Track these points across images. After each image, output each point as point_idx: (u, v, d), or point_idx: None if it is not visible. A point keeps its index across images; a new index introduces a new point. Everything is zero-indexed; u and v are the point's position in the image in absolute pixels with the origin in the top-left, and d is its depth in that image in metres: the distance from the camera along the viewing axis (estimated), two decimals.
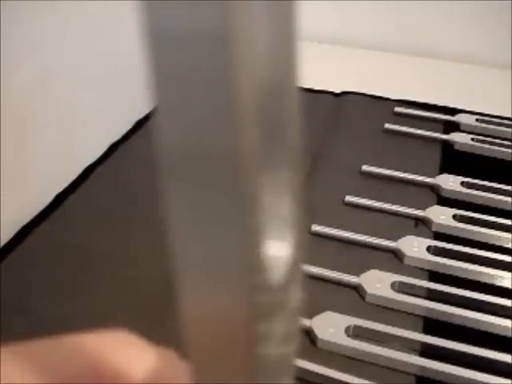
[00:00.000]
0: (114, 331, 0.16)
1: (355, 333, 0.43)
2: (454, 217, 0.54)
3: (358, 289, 0.47)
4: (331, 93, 0.74)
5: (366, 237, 0.52)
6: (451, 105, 0.72)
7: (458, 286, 0.47)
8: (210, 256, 0.12)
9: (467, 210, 0.55)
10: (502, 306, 0.46)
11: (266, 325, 0.13)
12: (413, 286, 0.47)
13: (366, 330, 0.43)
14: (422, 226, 0.54)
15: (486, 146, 0.65)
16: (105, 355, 0.15)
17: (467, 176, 0.59)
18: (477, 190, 0.58)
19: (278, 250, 0.14)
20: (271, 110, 0.14)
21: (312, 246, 0.49)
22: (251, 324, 0.12)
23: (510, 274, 0.49)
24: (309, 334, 0.43)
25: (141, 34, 0.10)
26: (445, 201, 0.57)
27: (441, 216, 0.54)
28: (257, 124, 0.11)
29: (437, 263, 0.50)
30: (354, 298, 0.47)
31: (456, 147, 0.65)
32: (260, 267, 0.12)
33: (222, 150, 0.11)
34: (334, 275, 0.47)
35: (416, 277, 0.48)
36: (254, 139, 0.11)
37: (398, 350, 0.42)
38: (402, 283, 0.47)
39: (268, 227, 0.14)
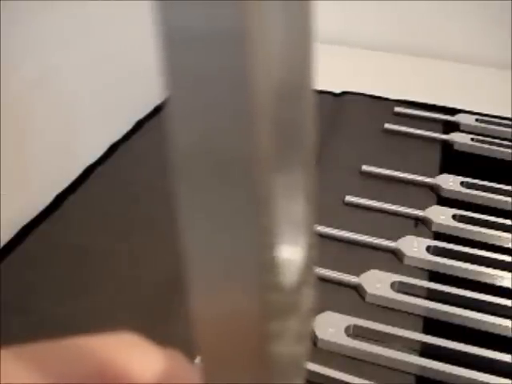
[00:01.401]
0: (120, 333, 0.16)
1: (355, 333, 0.43)
2: (454, 217, 0.54)
3: (358, 289, 0.47)
4: (331, 93, 0.74)
5: (366, 237, 0.52)
6: (451, 105, 0.72)
7: (458, 286, 0.47)
8: (222, 256, 0.12)
9: (467, 210, 0.55)
10: (502, 306, 0.46)
11: (278, 325, 0.13)
12: (413, 285, 0.47)
13: (366, 329, 0.43)
14: (421, 226, 0.54)
15: (486, 146, 0.65)
16: (111, 357, 0.15)
17: (467, 176, 0.59)
18: (476, 190, 0.58)
19: (291, 252, 0.15)
20: (286, 111, 0.14)
21: None
22: (263, 324, 0.12)
23: (509, 274, 0.49)
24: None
25: (156, 35, 0.10)
26: (445, 201, 0.57)
27: (441, 216, 0.54)
28: (272, 126, 0.11)
29: (437, 263, 0.50)
30: (354, 298, 0.47)
31: (456, 147, 0.66)
32: (273, 268, 0.12)
33: (237, 152, 0.11)
34: (334, 275, 0.47)
35: (416, 277, 0.48)
36: (269, 141, 0.11)
37: (398, 350, 0.42)
38: (401, 283, 0.47)
39: (281, 230, 0.14)
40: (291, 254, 0.15)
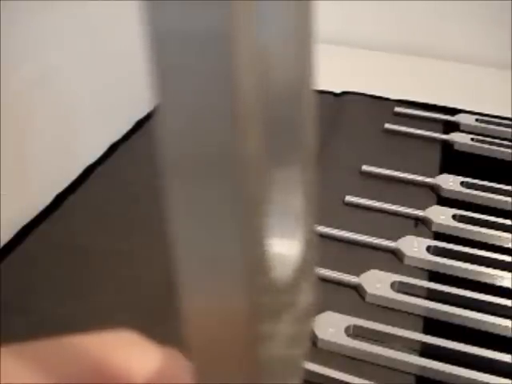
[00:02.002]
0: (118, 331, 0.16)
1: (355, 333, 0.43)
2: (454, 217, 0.54)
3: (358, 289, 0.47)
4: (331, 93, 0.74)
5: (365, 237, 0.52)
6: (451, 105, 0.72)
7: (458, 286, 0.47)
8: (211, 255, 0.12)
9: (467, 210, 0.55)
10: (502, 306, 0.46)
11: (269, 325, 0.13)
12: (413, 285, 0.47)
13: (366, 330, 0.43)
14: (421, 226, 0.54)
15: (486, 146, 0.65)
16: (108, 355, 0.15)
17: (467, 176, 0.59)
18: (476, 190, 0.58)
19: (288, 249, 0.14)
20: (287, 110, 0.14)
21: None
22: (252, 324, 0.12)
23: (509, 274, 0.49)
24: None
25: (143, 35, 0.10)
26: (445, 201, 0.57)
27: (441, 216, 0.54)
28: (261, 124, 0.11)
29: (437, 263, 0.50)
30: (354, 298, 0.47)
31: (456, 147, 0.65)
32: (262, 267, 0.12)
33: (222, 151, 0.11)
34: (334, 275, 0.47)
35: (416, 277, 0.48)
36: (256, 139, 0.11)
37: (398, 350, 0.42)
38: (401, 283, 0.47)
39: (278, 227, 0.14)
40: (287, 250, 0.15)
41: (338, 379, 0.40)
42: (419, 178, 0.59)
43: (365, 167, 0.60)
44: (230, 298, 0.12)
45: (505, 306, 0.46)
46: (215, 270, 0.12)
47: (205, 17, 0.10)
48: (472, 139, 0.66)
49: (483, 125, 0.69)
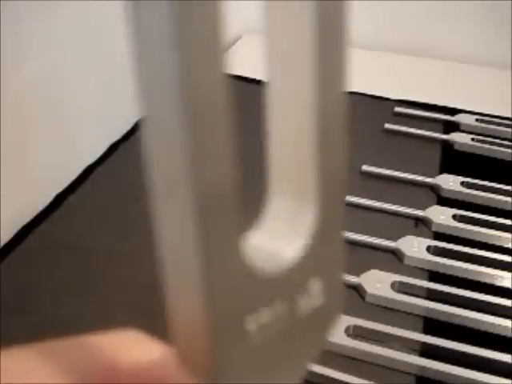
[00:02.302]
0: (122, 330, 0.16)
1: (355, 333, 0.43)
2: (454, 217, 0.54)
3: (358, 289, 0.47)
4: None
5: (365, 237, 0.52)
6: (451, 105, 0.72)
7: (458, 286, 0.47)
8: (178, 263, 0.12)
9: (467, 210, 0.56)
10: (502, 306, 0.46)
11: (240, 326, 0.13)
12: (413, 286, 0.47)
13: (366, 330, 0.43)
14: (421, 226, 0.54)
15: (486, 145, 0.65)
16: (115, 354, 0.15)
17: (467, 176, 0.59)
18: (477, 190, 0.58)
19: (289, 248, 0.15)
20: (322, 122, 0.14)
21: None
22: (214, 325, 0.13)
23: (509, 273, 0.49)
24: None
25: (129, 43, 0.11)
26: (445, 201, 0.57)
27: (441, 216, 0.54)
28: (230, 139, 0.12)
29: (437, 263, 0.50)
30: (354, 298, 0.47)
31: (456, 147, 0.66)
32: (227, 269, 0.13)
33: (178, 150, 0.11)
34: None
35: (416, 277, 0.48)
36: (224, 156, 0.12)
37: (398, 350, 0.42)
38: (402, 283, 0.47)
39: (280, 228, 0.14)
40: (287, 250, 0.15)
41: (337, 379, 0.40)
42: (419, 178, 0.59)
43: (365, 167, 0.60)
44: (192, 297, 0.12)
45: (505, 306, 0.46)
46: (182, 274, 0.13)
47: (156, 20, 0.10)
48: (472, 139, 0.66)
49: (483, 125, 0.69)
